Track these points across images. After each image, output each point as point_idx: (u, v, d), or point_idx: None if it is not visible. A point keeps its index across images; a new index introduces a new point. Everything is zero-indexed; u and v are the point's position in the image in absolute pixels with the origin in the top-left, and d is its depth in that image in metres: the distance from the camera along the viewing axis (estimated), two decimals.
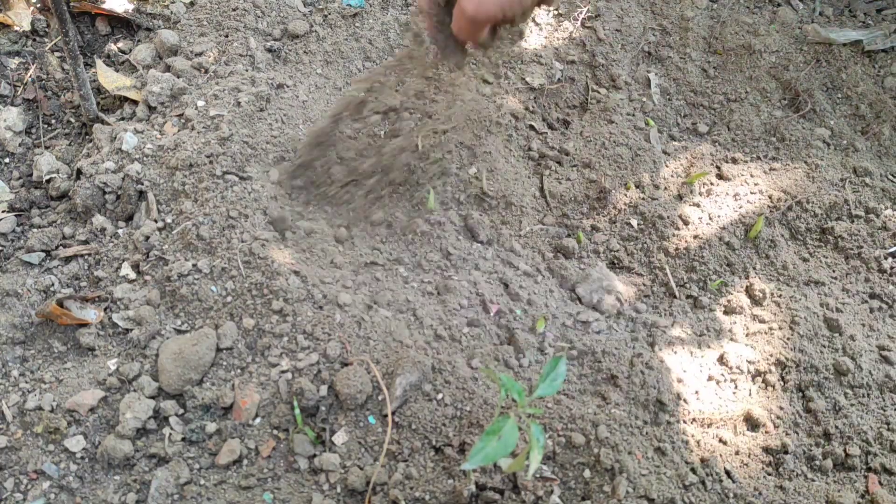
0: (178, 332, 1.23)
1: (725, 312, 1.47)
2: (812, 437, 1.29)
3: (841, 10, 2.02)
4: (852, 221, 1.60)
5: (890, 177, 1.74)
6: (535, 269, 1.48)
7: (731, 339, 1.40)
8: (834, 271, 1.55)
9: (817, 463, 1.26)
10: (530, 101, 1.72)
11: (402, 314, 1.31)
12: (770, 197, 1.62)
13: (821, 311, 1.46)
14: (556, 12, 1.85)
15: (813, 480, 1.24)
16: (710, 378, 1.33)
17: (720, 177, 1.68)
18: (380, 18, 1.74)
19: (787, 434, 1.28)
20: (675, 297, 1.49)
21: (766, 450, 1.26)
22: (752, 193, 1.64)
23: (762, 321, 1.42)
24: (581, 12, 1.85)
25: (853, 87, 1.86)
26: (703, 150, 1.73)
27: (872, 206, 1.62)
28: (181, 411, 1.17)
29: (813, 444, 1.28)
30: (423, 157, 1.55)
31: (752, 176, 1.68)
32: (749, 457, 1.25)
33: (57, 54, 1.63)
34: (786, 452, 1.26)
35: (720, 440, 1.25)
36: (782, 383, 1.34)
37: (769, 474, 1.24)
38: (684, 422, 1.25)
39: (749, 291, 1.48)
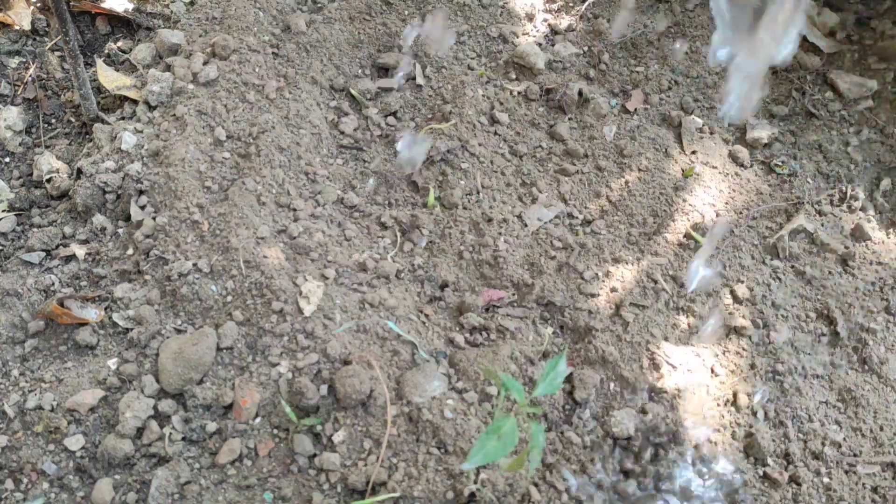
0: (179, 331, 1.23)
1: (726, 312, 1.47)
2: None
3: None
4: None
5: None
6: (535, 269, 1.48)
7: (730, 339, 1.40)
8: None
9: None
10: (531, 100, 1.72)
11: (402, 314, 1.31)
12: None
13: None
14: (556, 8, 1.85)
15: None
16: (711, 375, 1.33)
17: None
18: (380, 18, 1.74)
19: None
20: (674, 296, 1.49)
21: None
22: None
23: (764, 319, 1.42)
24: (581, 9, 1.85)
25: None
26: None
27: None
28: (181, 411, 1.17)
29: None
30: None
31: None
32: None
33: (57, 54, 1.63)
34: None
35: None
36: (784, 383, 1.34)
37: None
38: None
39: (744, 290, 1.48)
